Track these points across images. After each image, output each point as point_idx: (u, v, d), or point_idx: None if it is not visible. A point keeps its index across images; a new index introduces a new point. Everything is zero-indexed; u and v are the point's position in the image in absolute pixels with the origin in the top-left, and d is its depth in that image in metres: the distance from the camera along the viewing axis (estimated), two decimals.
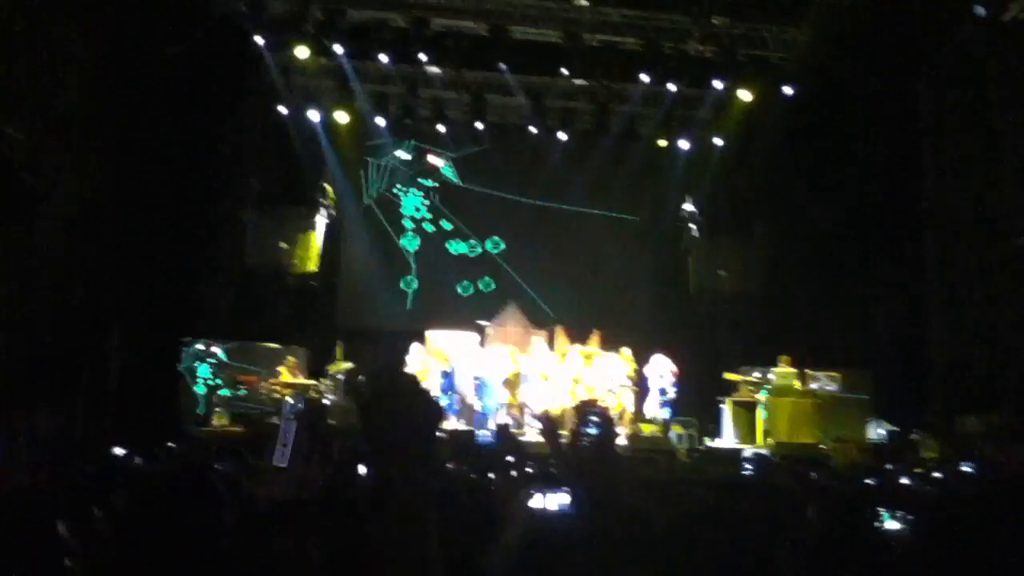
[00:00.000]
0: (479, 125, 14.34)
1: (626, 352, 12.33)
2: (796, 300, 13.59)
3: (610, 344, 12.52)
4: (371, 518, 2.35)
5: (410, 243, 15.06)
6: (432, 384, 11.58)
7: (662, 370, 12.20)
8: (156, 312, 11.17)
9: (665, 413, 12.09)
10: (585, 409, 3.51)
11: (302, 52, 12.33)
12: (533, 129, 14.53)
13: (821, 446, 10.82)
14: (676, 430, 11.72)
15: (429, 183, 15.20)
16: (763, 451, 10.51)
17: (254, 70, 13.06)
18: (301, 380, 11.96)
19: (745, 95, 13.12)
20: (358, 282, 15.01)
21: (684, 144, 14.85)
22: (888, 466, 7.14)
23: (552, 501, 3.10)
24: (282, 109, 13.84)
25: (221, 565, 2.39)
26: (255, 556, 2.59)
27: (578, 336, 12.85)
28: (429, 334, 12.73)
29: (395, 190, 15.14)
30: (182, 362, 11.81)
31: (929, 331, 12.25)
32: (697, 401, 12.54)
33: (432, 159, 15.16)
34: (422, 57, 12.65)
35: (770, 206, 14.45)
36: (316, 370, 12.42)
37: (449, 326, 13.05)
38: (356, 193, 15.06)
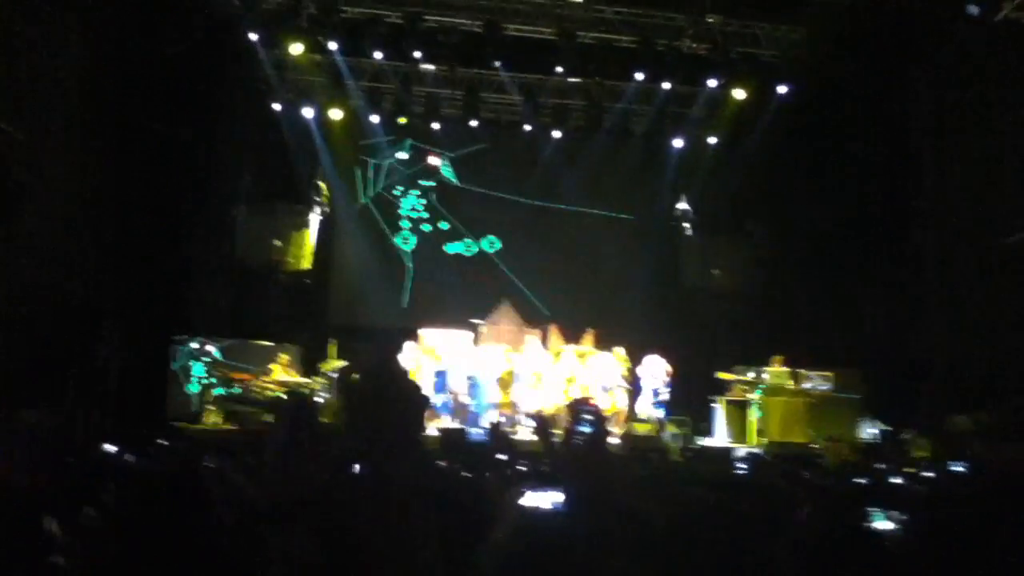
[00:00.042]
0: (473, 123, 14.33)
1: (619, 351, 12.33)
2: (789, 299, 13.62)
3: (604, 343, 12.53)
4: (362, 512, 2.35)
5: (406, 242, 15.04)
6: (425, 383, 11.55)
7: (655, 371, 12.22)
8: (148, 309, 11.12)
9: (658, 413, 12.11)
10: (578, 407, 3.51)
11: (296, 48, 12.29)
12: (527, 126, 14.53)
13: (813, 445, 10.84)
14: (669, 429, 11.75)
15: (428, 183, 15.16)
16: (756, 450, 10.54)
17: (248, 66, 13.02)
18: (294, 377, 11.94)
19: (739, 93, 13.15)
20: (352, 280, 14.99)
21: (678, 142, 14.87)
22: (879, 465, 7.16)
23: (545, 499, 3.09)
24: (276, 106, 13.80)
25: (211, 564, 2.38)
26: (246, 555, 2.58)
27: (572, 335, 12.84)
28: (422, 332, 12.72)
29: (394, 191, 15.10)
30: (176, 361, 11.78)
31: (922, 331, 12.29)
32: (690, 400, 12.56)
33: (431, 159, 15.13)
34: (416, 54, 12.64)
35: (764, 205, 14.47)
36: (309, 368, 12.39)
37: (442, 324, 13.04)
38: (350, 190, 15.03)
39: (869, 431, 11.64)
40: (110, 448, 5.19)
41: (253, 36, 12.33)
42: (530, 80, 13.89)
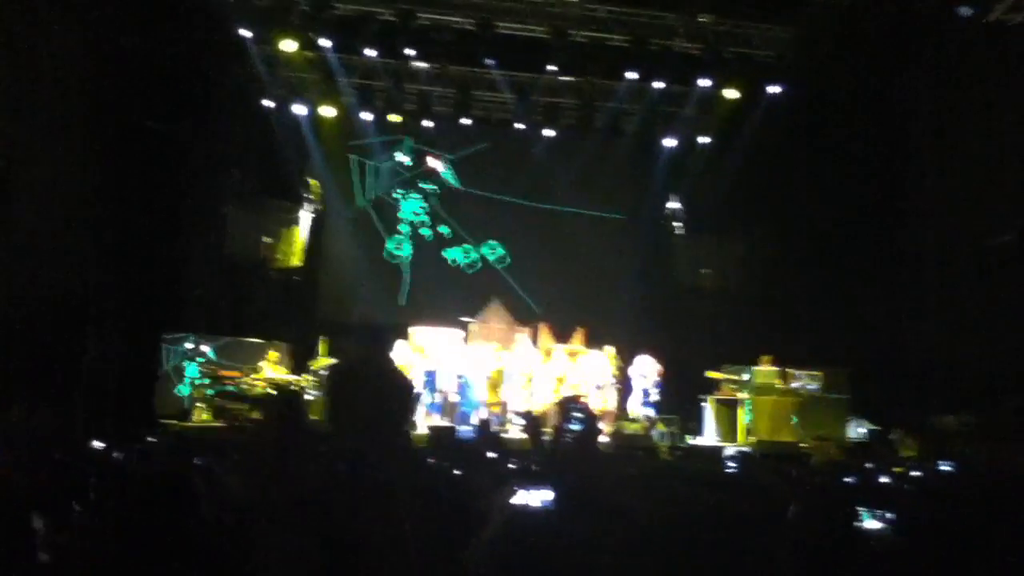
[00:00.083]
0: (466, 121, 14.31)
1: (610, 350, 12.34)
2: (780, 299, 13.64)
3: (594, 342, 12.53)
4: (351, 510, 2.34)
5: (399, 248, 14.96)
6: (415, 381, 11.53)
7: (646, 371, 12.22)
8: (137, 305, 11.06)
9: (648, 412, 12.12)
10: (568, 405, 3.51)
11: (288, 45, 12.25)
12: (519, 125, 14.52)
13: (801, 444, 10.88)
14: (659, 428, 11.77)
15: (429, 186, 15.07)
16: (745, 449, 10.56)
17: (239, 63, 12.96)
18: (284, 374, 11.89)
19: (731, 93, 13.17)
20: (342, 278, 14.93)
21: (669, 142, 14.88)
22: (868, 465, 7.18)
23: (534, 497, 3.08)
24: (267, 103, 13.74)
25: (197, 560, 2.37)
26: (234, 552, 2.57)
27: (562, 334, 12.85)
28: (412, 330, 12.69)
29: (395, 194, 15.02)
30: (169, 360, 11.72)
31: (914, 331, 12.33)
32: (679, 399, 12.58)
33: (431, 161, 15.08)
34: (408, 51, 12.61)
35: (755, 205, 14.48)
36: (299, 365, 12.35)
37: (432, 323, 13.01)
38: (341, 188, 14.96)
39: (857, 431, 11.69)
40: (98, 445, 5.18)
41: (245, 32, 12.27)
42: (522, 78, 13.88)
